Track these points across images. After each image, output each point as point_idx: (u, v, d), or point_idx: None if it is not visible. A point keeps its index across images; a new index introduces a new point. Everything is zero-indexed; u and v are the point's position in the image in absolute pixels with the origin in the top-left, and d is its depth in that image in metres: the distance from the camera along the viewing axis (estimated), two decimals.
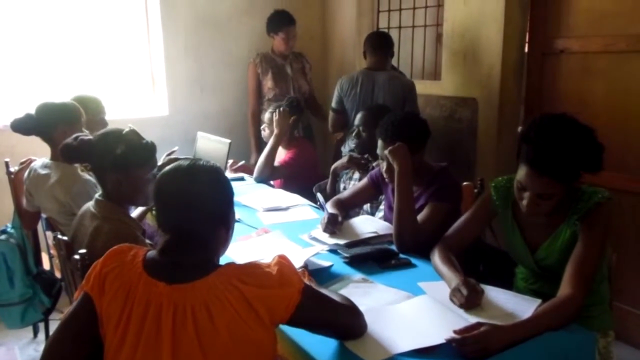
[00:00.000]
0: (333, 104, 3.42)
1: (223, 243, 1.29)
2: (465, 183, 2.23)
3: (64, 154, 1.77)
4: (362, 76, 3.22)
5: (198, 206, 1.21)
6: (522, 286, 1.87)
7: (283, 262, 1.23)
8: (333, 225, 2.10)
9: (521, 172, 1.59)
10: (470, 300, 1.50)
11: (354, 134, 2.82)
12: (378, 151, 2.16)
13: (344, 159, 2.83)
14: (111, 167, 1.69)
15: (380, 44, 3.25)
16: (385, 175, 2.15)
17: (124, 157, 1.67)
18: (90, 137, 1.77)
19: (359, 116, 2.78)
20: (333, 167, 2.91)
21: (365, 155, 2.74)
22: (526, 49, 3.06)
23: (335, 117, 3.44)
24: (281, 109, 3.07)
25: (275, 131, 3.04)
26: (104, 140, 1.72)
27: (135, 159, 1.70)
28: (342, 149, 3.35)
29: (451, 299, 1.55)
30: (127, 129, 1.73)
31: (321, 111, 3.96)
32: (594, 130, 1.57)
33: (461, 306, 1.51)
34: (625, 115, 2.62)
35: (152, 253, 1.23)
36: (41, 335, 2.84)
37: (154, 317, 1.13)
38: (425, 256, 1.87)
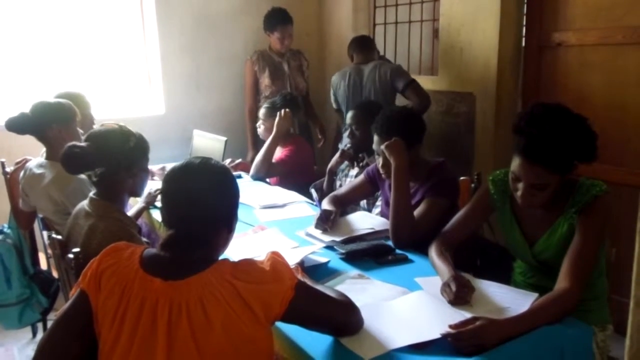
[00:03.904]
0: (333, 105, 3.48)
1: (224, 243, 1.29)
2: (462, 178, 2.22)
3: (70, 168, 1.70)
4: (352, 70, 3.29)
5: (203, 206, 1.21)
6: (520, 280, 1.86)
7: (276, 258, 1.23)
8: (324, 222, 2.08)
9: (515, 163, 1.58)
10: (459, 297, 1.49)
11: (347, 133, 2.81)
12: (374, 147, 2.15)
13: (336, 155, 2.83)
14: (126, 162, 1.72)
15: (365, 46, 3.36)
16: (381, 171, 2.13)
17: (137, 148, 1.74)
18: (86, 143, 1.72)
19: (349, 115, 2.77)
20: (329, 166, 2.89)
21: (360, 155, 2.74)
22: (523, 43, 3.05)
23: (339, 116, 3.51)
24: (284, 110, 3.02)
25: (274, 132, 2.99)
26: (114, 139, 1.72)
27: (144, 148, 1.78)
28: (340, 145, 3.34)
29: (441, 294, 1.54)
30: (116, 125, 1.75)
31: (313, 111, 3.95)
32: (586, 118, 1.56)
33: (450, 302, 1.50)
34: (622, 108, 2.60)
35: (149, 250, 1.23)
36: (40, 336, 2.84)
37: (150, 314, 1.12)
38: (422, 251, 1.86)
